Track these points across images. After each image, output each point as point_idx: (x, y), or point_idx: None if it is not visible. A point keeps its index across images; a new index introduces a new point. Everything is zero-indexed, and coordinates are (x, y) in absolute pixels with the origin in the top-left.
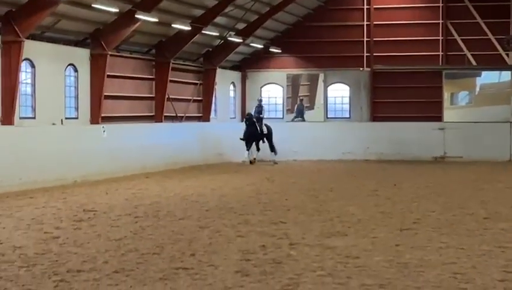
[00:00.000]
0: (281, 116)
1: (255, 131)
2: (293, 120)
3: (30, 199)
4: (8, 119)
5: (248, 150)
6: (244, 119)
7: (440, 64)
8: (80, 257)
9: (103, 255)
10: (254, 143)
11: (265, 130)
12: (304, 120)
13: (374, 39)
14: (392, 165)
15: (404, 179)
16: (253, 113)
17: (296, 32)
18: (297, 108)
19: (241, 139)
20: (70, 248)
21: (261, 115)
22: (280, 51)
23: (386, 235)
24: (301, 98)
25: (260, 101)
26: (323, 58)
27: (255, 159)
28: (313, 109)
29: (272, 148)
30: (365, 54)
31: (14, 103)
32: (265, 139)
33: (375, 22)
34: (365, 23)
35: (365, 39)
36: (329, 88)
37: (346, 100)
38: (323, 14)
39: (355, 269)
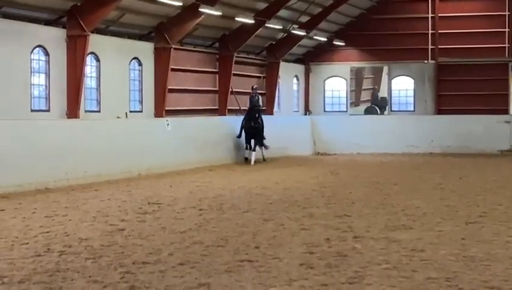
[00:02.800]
0: (345, 110)
1: (259, 125)
2: (367, 109)
3: (95, 192)
4: (73, 113)
5: (254, 150)
6: (252, 114)
7: (506, 56)
8: (145, 249)
9: (168, 247)
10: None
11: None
12: (380, 108)
13: (439, 31)
14: (457, 158)
15: (469, 172)
16: (249, 105)
17: (360, 24)
18: (374, 96)
19: (238, 137)
20: (135, 240)
21: (260, 104)
22: (344, 44)
23: (452, 229)
24: (375, 86)
25: (255, 89)
26: (387, 50)
27: (247, 158)
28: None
29: (262, 143)
30: (430, 47)
31: (80, 97)
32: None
33: (440, 14)
34: (430, 15)
35: (430, 31)
36: (394, 81)
37: (411, 93)
38: (387, 6)
39: (420, 262)
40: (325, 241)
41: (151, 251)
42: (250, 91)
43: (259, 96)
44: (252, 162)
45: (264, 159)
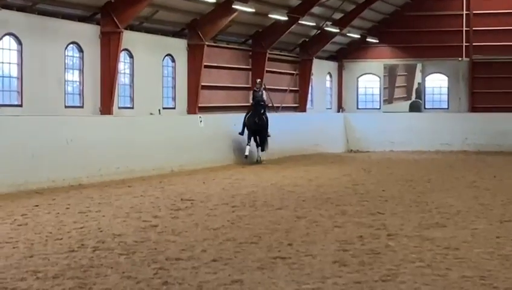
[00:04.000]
0: (378, 107)
1: (263, 122)
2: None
3: (128, 188)
4: (107, 110)
5: (258, 146)
6: (257, 109)
7: None
8: (178, 246)
9: (201, 243)
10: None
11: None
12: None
13: (474, 28)
14: (491, 156)
15: (504, 170)
16: (252, 100)
17: (394, 22)
18: (416, 91)
19: (240, 134)
20: (168, 236)
21: (265, 99)
22: (377, 41)
23: (486, 227)
24: (419, 82)
25: (259, 83)
26: (421, 48)
27: (246, 156)
28: (410, 99)
29: (264, 143)
30: (464, 44)
31: (113, 93)
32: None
33: (474, 11)
34: (464, 12)
35: (464, 28)
36: (427, 78)
37: (444, 91)
38: (422, 3)
39: (455, 260)
40: (358, 239)
41: (184, 247)
42: (256, 86)
43: (264, 91)
44: (247, 152)
45: (259, 161)
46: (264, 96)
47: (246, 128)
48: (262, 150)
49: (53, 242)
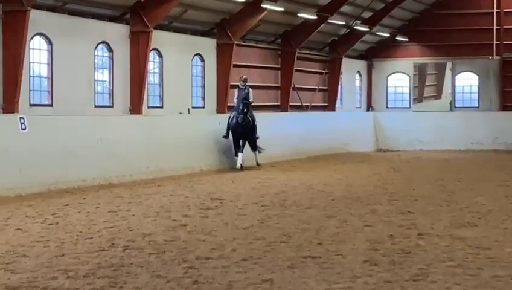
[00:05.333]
0: (408, 106)
1: (248, 122)
2: None
3: (158, 187)
4: (136, 109)
5: (241, 151)
6: (241, 107)
7: None
8: (208, 245)
9: (231, 243)
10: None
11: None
12: None
13: (504, 27)
14: None
15: None
16: (236, 99)
17: (424, 20)
18: None
19: (225, 137)
20: (198, 235)
21: (250, 100)
22: (407, 40)
23: None
24: None
25: (245, 80)
26: (451, 46)
27: (242, 166)
28: (440, 98)
29: (255, 146)
30: (495, 42)
31: (142, 93)
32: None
33: (505, 9)
34: (495, 10)
35: (495, 27)
36: (457, 77)
37: (475, 89)
38: (451, 1)
39: (486, 260)
40: (389, 238)
41: (214, 247)
42: (240, 83)
43: (250, 89)
44: (238, 165)
45: (258, 164)
46: (250, 94)
47: (230, 131)
48: (254, 149)
49: (83, 241)
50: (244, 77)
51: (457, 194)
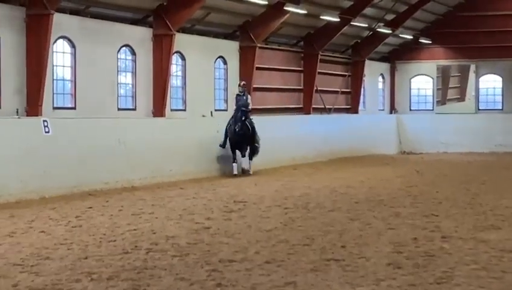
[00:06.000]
0: (431, 108)
1: (247, 131)
2: None
3: (181, 190)
4: (159, 112)
5: (244, 156)
6: (239, 115)
7: None
8: (231, 247)
9: (254, 245)
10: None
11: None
12: None
13: None
14: None
15: None
16: (235, 106)
17: (447, 22)
18: None
19: (222, 146)
20: (221, 238)
21: (249, 107)
22: (430, 42)
23: None
24: None
25: (243, 86)
26: (474, 48)
27: (243, 169)
28: (463, 100)
29: (252, 153)
30: None
31: (165, 96)
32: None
33: None
34: None
35: None
36: (481, 79)
37: (499, 91)
38: (475, 3)
39: (510, 263)
40: (413, 241)
41: (237, 249)
42: (238, 89)
43: (248, 95)
44: (235, 172)
45: (244, 171)
46: (249, 100)
47: (227, 139)
48: (249, 158)
49: (107, 244)
50: (243, 82)
51: (481, 197)
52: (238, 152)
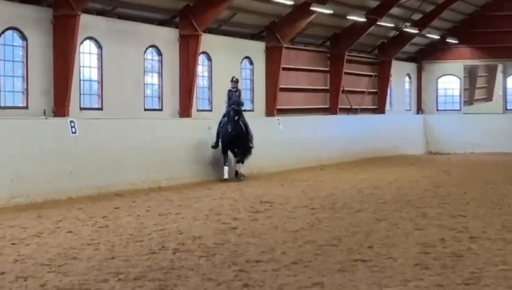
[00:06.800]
0: (458, 108)
1: (241, 131)
2: None
3: (207, 190)
4: (185, 112)
5: (226, 162)
6: (232, 114)
7: None
8: (258, 248)
9: (281, 246)
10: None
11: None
12: None
13: None
14: None
15: None
16: (226, 103)
17: (474, 22)
18: None
19: (214, 147)
20: (248, 238)
21: (242, 107)
22: (457, 42)
23: None
24: None
25: (236, 82)
26: (502, 48)
27: (237, 172)
28: (491, 100)
29: (244, 155)
30: None
31: (192, 96)
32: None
33: None
34: None
35: None
36: (508, 79)
37: None
38: (503, 3)
39: None
40: (440, 242)
41: (264, 250)
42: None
43: (240, 92)
44: (226, 176)
45: (236, 175)
46: (242, 97)
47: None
48: (241, 162)
49: (134, 244)
50: (235, 78)
51: (509, 197)
52: (230, 155)
